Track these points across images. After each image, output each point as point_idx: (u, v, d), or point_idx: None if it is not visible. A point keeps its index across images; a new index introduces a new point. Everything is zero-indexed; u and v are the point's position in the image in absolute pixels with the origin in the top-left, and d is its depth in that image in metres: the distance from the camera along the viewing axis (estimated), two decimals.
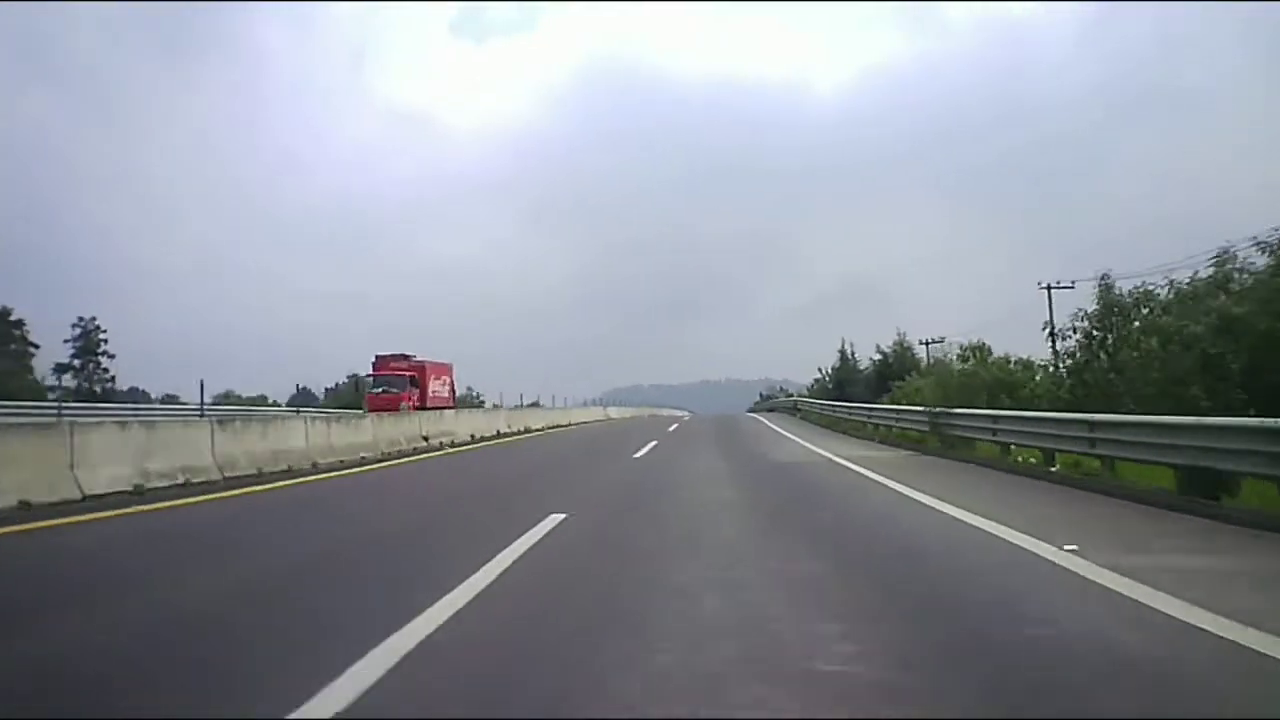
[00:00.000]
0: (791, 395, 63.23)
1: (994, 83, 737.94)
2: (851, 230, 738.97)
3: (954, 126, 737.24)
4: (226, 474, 9.08)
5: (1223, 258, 12.42)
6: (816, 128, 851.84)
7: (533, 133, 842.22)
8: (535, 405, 44.66)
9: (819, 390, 45.86)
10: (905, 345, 38.06)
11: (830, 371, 47.26)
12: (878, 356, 38.97)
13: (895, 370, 37.11)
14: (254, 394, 43.66)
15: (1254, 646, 3.07)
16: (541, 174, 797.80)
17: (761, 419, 33.26)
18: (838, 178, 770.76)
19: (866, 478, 9.86)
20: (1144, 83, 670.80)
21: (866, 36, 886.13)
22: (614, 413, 44.11)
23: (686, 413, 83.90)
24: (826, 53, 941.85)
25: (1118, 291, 13.60)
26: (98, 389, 36.97)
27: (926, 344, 38.39)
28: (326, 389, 62.99)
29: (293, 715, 2.40)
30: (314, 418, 14.86)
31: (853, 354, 46.27)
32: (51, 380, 34.68)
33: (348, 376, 77.50)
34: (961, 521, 6.30)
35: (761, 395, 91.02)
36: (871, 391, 40.61)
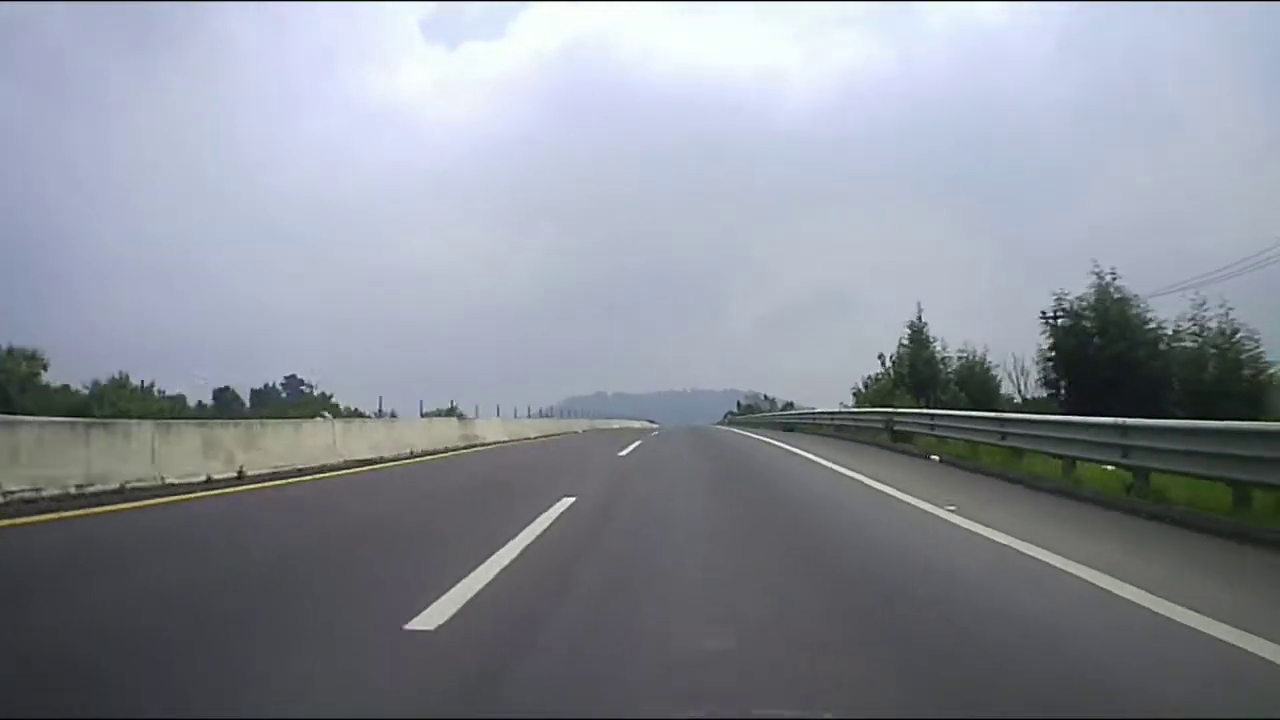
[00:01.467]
0: (786, 406, 48.74)
1: (972, 93, 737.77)
2: (822, 243, 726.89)
3: (932, 137, 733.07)
4: None
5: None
6: (788, 138, 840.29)
7: (499, 134, 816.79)
8: (402, 416, 24.14)
9: (879, 394, 24.39)
10: (1122, 296, 17.29)
11: (891, 362, 26.33)
12: (1057, 315, 18.01)
13: (1109, 347, 16.72)
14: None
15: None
16: (506, 176, 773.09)
17: (796, 453, 14.61)
18: (809, 189, 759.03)
19: None
20: (1123, 97, 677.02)
21: (843, 43, 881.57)
22: (508, 429, 22.88)
23: (644, 423, 64.90)
24: (804, 60, 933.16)
25: None
26: None
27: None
28: (252, 390, 62.89)
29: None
30: None
31: (927, 331, 25.49)
32: None
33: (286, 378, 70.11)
34: None
35: (739, 405, 76.70)
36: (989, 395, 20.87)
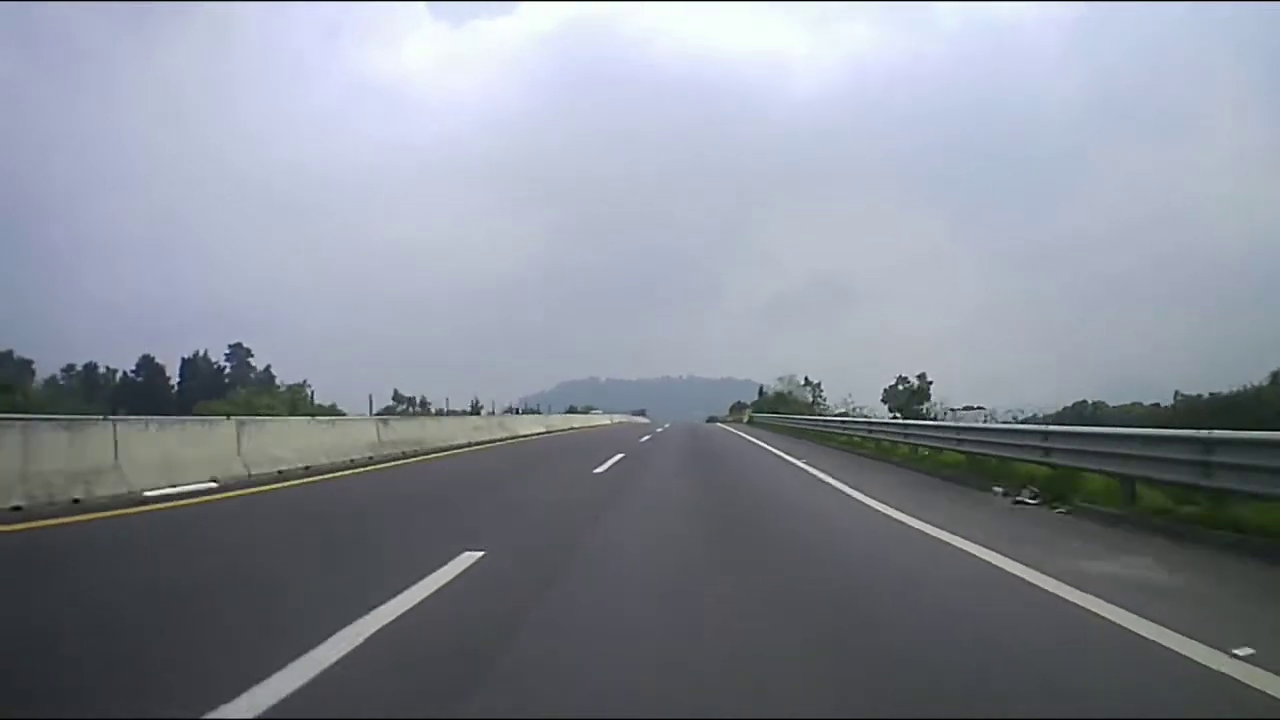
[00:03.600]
0: (913, 400, 37.77)
1: (977, 87, 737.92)
2: (822, 233, 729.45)
3: (933, 131, 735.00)
4: None
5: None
6: (791, 125, 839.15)
7: (497, 115, 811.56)
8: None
9: None
10: None
11: None
12: None
13: None
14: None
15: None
16: (504, 157, 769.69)
17: None
18: (810, 178, 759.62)
19: None
20: (1129, 97, 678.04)
21: (849, 35, 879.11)
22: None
23: (624, 416, 58.87)
24: (808, 47, 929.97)
25: None
26: None
27: None
28: (183, 359, 67.25)
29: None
30: None
31: None
32: None
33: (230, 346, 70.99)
34: None
35: (762, 392, 63.37)
36: None
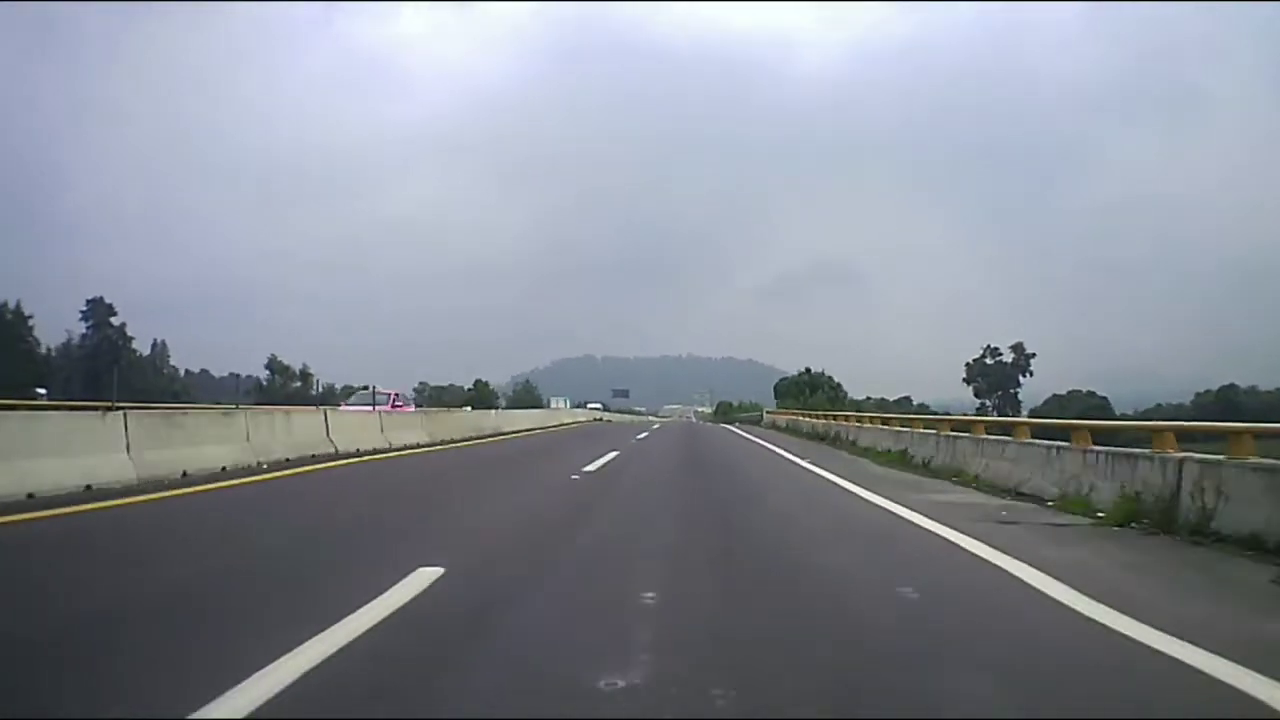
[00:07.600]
0: None
1: (989, 65, 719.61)
2: (829, 211, 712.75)
3: (943, 111, 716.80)
4: None
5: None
6: (799, 100, 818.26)
7: (491, 89, 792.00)
8: None
9: None
10: None
11: None
12: None
13: None
14: None
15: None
16: (500, 133, 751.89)
17: None
18: (818, 155, 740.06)
19: None
20: (1144, 79, 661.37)
21: (860, 6, 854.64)
22: None
23: (573, 411, 45.22)
24: (816, 20, 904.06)
25: None
26: None
27: None
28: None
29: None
30: None
31: None
32: None
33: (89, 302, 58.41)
34: None
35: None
36: None
